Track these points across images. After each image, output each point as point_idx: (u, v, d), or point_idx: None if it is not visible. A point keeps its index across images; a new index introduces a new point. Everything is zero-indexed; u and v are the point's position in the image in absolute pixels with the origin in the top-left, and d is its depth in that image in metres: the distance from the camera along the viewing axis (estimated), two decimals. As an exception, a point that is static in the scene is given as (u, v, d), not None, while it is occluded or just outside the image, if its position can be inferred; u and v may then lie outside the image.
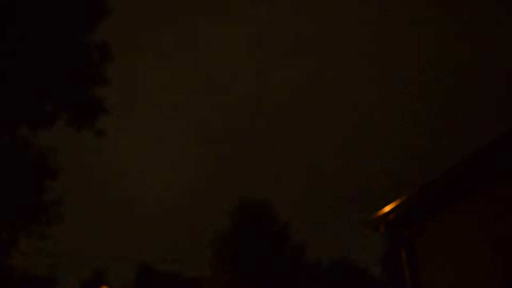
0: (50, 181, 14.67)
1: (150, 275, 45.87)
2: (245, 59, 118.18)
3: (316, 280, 37.44)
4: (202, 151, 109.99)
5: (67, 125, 13.09)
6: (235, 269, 34.39)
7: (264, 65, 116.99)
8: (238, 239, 35.20)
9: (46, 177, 14.50)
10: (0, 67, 11.59)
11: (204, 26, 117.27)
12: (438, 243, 7.16)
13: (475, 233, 6.23)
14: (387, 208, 7.60)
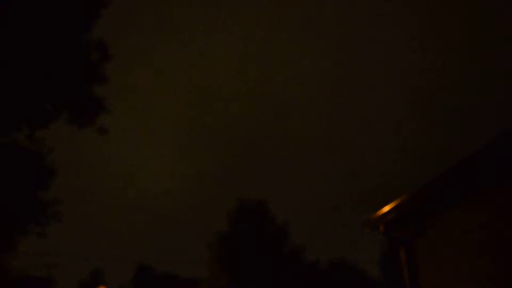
0: (49, 181, 14.65)
1: (148, 276, 45.81)
2: (246, 61, 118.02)
3: (315, 280, 37.41)
4: (201, 153, 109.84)
5: (67, 124, 13.06)
6: (234, 269, 34.35)
7: (265, 68, 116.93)
8: (236, 239, 35.16)
9: (45, 177, 14.48)
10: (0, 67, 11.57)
11: (205, 28, 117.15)
12: (437, 243, 7.16)
13: (475, 233, 6.22)
14: (386, 208, 7.58)
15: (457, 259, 6.62)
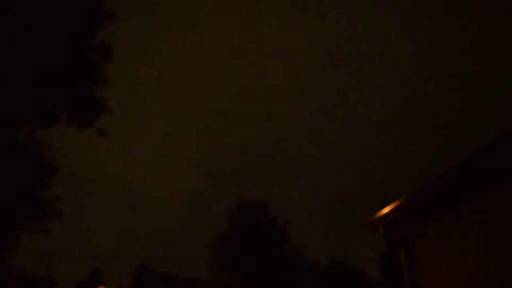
0: (48, 180, 14.66)
1: (147, 276, 45.83)
2: (245, 61, 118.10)
3: (315, 281, 37.42)
4: (201, 153, 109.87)
5: (67, 124, 13.08)
6: (234, 270, 34.35)
7: (265, 69, 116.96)
8: (237, 240, 35.15)
9: (45, 176, 14.49)
10: (0, 67, 11.59)
11: (206, 29, 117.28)
12: (437, 244, 7.16)
13: (474, 233, 6.23)
14: (386, 210, 7.59)
15: (457, 259, 6.63)
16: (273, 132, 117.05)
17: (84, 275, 47.29)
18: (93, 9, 12.54)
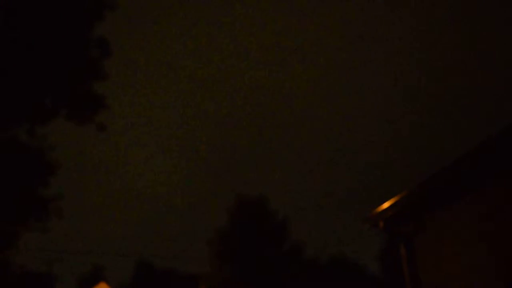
0: (49, 177, 14.65)
1: (148, 272, 45.99)
2: (241, 57, 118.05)
3: (315, 276, 37.53)
4: (201, 148, 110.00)
5: (67, 120, 13.07)
6: (234, 265, 34.46)
7: (261, 63, 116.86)
8: (236, 235, 35.24)
9: (45, 173, 14.48)
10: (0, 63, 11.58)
11: (203, 26, 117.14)
12: (437, 240, 7.18)
13: (475, 228, 6.24)
14: (386, 204, 7.61)
15: (457, 256, 6.65)
16: (273, 127, 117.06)
17: (85, 271, 47.42)
18: (93, 1, 12.49)
